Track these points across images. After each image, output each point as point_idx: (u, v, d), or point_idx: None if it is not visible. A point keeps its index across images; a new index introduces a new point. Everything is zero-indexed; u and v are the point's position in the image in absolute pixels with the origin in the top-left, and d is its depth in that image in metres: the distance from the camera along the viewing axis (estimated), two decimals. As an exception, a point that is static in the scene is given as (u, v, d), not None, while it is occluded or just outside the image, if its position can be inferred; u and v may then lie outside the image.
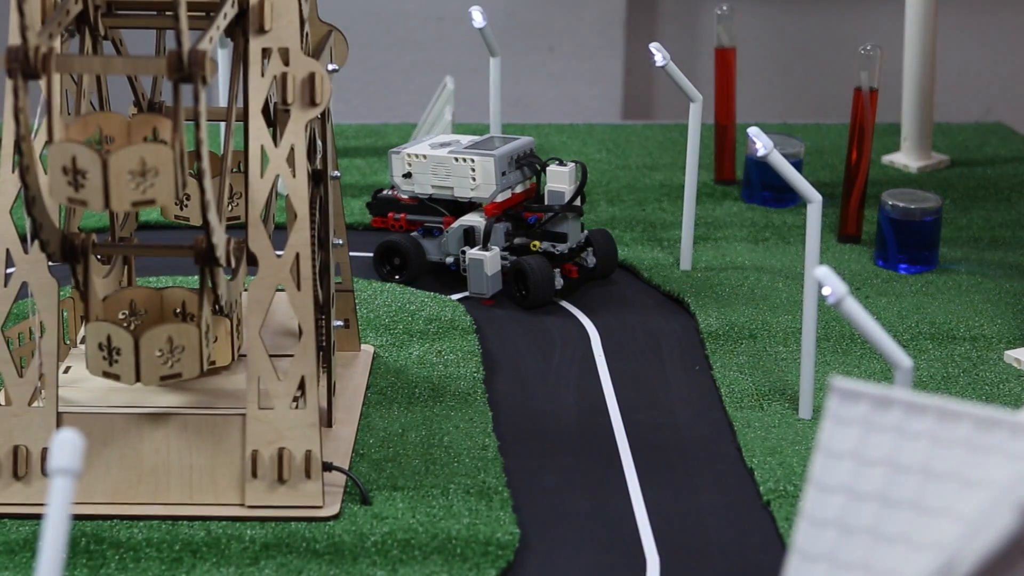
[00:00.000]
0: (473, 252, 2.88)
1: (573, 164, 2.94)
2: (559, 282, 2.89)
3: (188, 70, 1.95)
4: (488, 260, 2.88)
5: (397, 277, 2.97)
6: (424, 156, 2.96)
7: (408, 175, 2.98)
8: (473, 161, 2.91)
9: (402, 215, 3.04)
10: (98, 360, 2.11)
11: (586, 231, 3.00)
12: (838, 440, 1.36)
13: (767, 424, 2.45)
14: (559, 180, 2.92)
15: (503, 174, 2.91)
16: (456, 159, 2.93)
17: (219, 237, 2.08)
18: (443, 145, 3.00)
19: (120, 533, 2.11)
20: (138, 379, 2.11)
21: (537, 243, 2.91)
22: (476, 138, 3.04)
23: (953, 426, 1.33)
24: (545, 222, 2.91)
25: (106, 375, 2.12)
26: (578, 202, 2.93)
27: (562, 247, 2.91)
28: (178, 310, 2.28)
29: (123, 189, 1.94)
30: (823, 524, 1.34)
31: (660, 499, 2.25)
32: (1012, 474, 1.30)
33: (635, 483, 2.30)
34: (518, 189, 2.97)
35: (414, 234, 2.99)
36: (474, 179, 2.91)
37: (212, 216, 2.04)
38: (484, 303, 2.88)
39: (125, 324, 2.24)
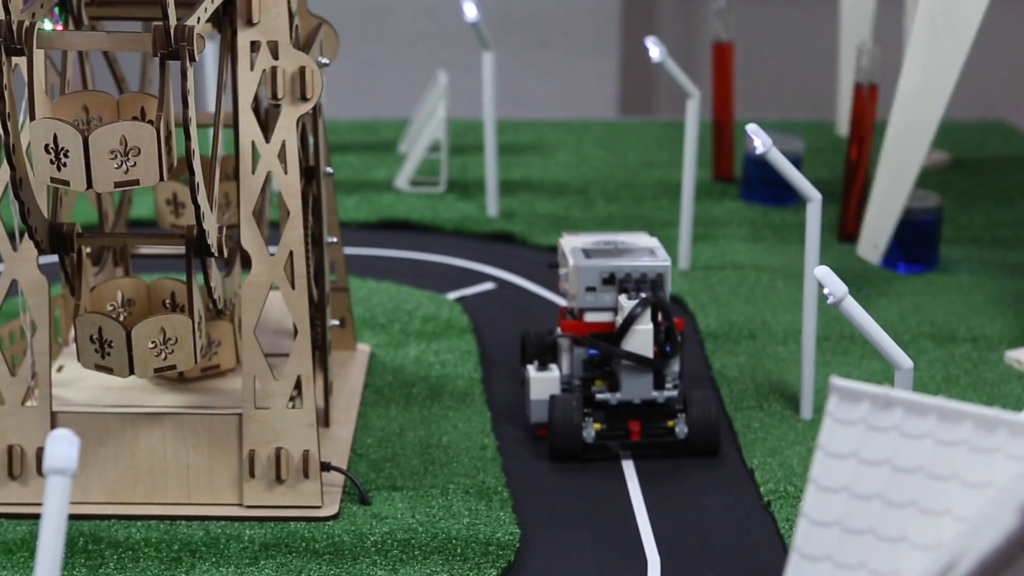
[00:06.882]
0: (528, 370, 2.42)
1: (644, 295, 2.34)
2: (589, 433, 2.33)
3: (175, 45, 1.90)
4: (534, 382, 2.39)
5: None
6: (563, 244, 2.46)
7: (554, 265, 2.55)
8: (568, 264, 2.42)
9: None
10: (90, 353, 2.06)
11: (679, 388, 2.37)
12: (838, 440, 1.36)
13: (767, 424, 2.44)
14: (623, 313, 2.35)
15: (589, 289, 2.36)
16: (565, 256, 2.43)
17: (210, 223, 2.03)
18: (608, 241, 2.46)
19: (118, 533, 2.10)
20: (132, 372, 2.05)
21: (600, 382, 2.39)
22: (644, 242, 2.47)
23: (954, 427, 1.33)
24: (603, 361, 2.38)
25: (99, 368, 2.07)
26: (643, 349, 2.33)
27: (609, 396, 2.35)
28: (167, 301, 2.21)
29: (105, 168, 1.91)
30: (824, 524, 1.34)
31: (660, 499, 2.24)
32: (1012, 474, 1.29)
33: (635, 483, 2.29)
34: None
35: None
36: (567, 285, 2.44)
37: (202, 198, 2.00)
38: (538, 432, 2.40)
39: (115, 316, 2.18)
